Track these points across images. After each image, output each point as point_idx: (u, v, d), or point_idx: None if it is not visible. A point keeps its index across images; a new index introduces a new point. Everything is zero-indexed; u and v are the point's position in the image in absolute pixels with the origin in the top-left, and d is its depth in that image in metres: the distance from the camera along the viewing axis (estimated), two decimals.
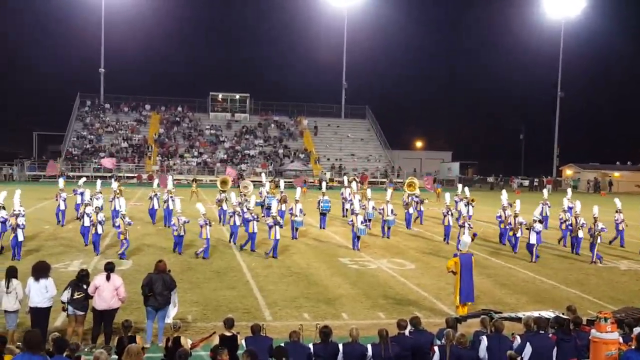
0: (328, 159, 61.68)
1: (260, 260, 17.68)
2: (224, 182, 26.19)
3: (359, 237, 20.00)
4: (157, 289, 10.20)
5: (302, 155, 61.17)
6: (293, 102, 69.65)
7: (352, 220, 20.03)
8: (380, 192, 33.38)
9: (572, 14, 66.95)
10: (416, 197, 26.64)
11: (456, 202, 25.32)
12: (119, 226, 17.46)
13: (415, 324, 8.85)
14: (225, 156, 59.42)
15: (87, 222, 18.59)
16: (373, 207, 23.45)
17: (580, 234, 20.11)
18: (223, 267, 16.69)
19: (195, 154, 59.20)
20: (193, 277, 15.31)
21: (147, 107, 66.07)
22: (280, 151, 61.64)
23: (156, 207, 24.33)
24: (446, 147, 77.61)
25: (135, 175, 52.09)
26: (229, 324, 8.50)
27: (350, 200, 25.54)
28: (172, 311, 10.47)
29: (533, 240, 18.73)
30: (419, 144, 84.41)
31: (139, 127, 62.46)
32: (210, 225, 17.93)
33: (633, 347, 7.71)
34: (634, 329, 8.87)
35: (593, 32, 79.48)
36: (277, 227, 18.16)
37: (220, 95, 67.84)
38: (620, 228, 22.50)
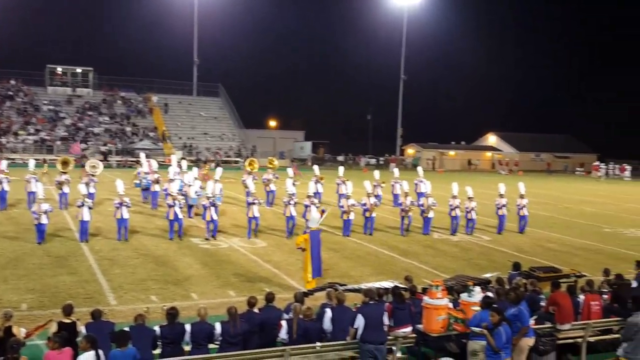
0: (180, 138, 59.98)
1: (106, 244, 16.89)
2: (64, 163, 24.13)
3: (192, 206, 21.67)
4: None
5: (152, 134, 58.88)
6: (141, 77, 66.65)
7: (185, 191, 20.27)
8: (234, 172, 33.14)
9: (415, 1, 70.67)
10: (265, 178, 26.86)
11: (313, 182, 26.27)
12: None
13: (269, 300, 9.04)
14: (67, 134, 55.43)
15: None
16: (200, 187, 23.50)
17: (431, 214, 20.48)
18: (63, 252, 15.68)
19: (32, 131, 54.49)
20: (29, 264, 14.26)
21: None
22: (128, 129, 58.75)
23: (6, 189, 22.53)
24: (299, 126, 78.99)
25: None
26: (67, 310, 8.11)
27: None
28: None
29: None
30: (272, 123, 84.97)
31: None
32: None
33: (482, 309, 8.51)
34: (461, 295, 9.79)
35: (434, 18, 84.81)
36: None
37: (59, 68, 62.79)
38: (522, 214, 21.52)
